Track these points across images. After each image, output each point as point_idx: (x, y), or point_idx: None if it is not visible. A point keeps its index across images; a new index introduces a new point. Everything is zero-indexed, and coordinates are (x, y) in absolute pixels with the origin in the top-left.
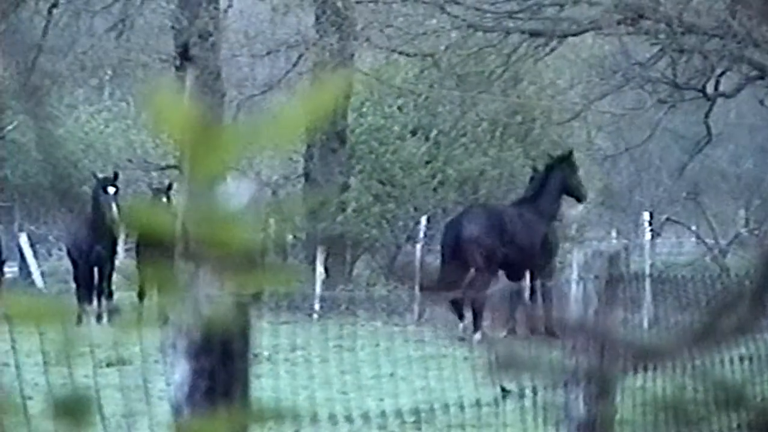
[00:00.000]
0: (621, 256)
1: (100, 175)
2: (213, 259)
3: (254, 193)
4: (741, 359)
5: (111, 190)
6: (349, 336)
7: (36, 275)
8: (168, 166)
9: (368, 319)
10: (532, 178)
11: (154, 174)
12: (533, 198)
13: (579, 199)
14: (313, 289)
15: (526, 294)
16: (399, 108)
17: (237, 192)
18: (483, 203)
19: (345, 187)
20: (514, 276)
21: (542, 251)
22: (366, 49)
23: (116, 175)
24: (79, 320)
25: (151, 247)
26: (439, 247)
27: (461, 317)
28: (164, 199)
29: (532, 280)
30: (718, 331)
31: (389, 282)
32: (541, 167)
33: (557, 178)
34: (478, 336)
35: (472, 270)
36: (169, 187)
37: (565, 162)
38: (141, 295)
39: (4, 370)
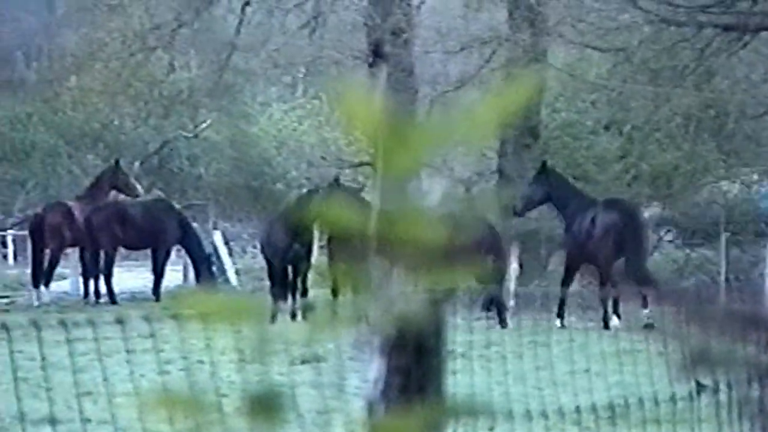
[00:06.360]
0: None
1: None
2: (406, 257)
3: (446, 190)
4: None
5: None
6: (544, 332)
7: (230, 273)
8: (361, 164)
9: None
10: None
11: (347, 171)
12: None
13: None
14: (508, 286)
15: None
16: (592, 103)
17: (430, 189)
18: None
19: None
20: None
21: None
22: (559, 44)
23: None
24: (274, 318)
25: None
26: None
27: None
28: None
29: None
30: None
31: (583, 277)
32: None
33: None
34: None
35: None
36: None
37: None
38: (335, 293)
39: (200, 367)
